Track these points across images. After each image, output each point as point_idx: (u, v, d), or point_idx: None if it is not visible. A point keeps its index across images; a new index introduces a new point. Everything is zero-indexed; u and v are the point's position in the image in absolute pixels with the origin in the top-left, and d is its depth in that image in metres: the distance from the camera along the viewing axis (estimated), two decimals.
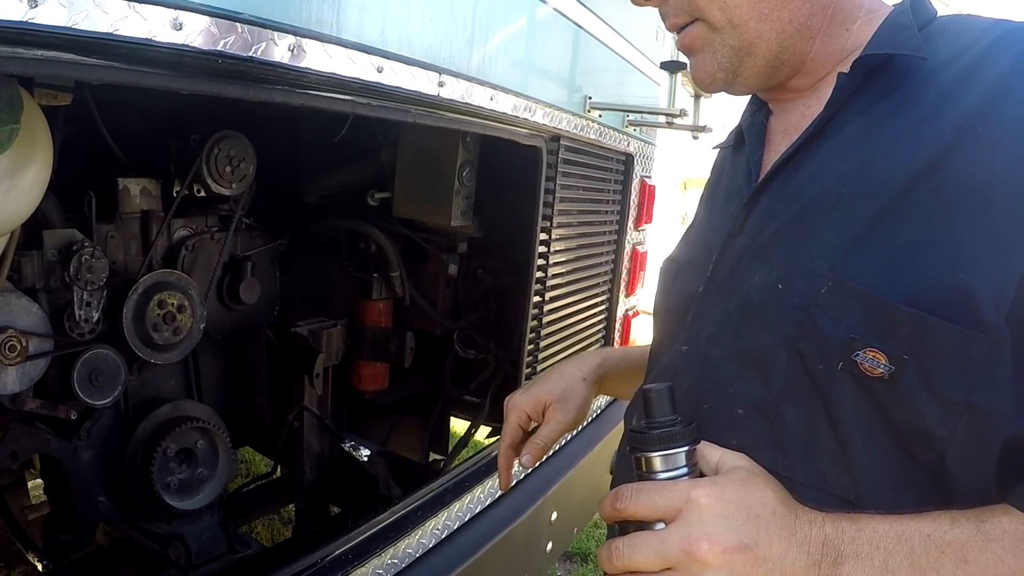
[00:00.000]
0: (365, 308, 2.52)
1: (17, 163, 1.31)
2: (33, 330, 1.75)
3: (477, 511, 2.16)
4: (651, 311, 1.27)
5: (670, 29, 1.05)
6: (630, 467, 0.87)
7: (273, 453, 2.81)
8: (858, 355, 0.83)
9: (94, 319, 1.86)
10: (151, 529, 2.09)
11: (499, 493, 2.26)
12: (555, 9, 2.10)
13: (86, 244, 1.81)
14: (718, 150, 1.27)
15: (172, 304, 1.98)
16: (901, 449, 0.84)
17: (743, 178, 1.06)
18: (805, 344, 0.88)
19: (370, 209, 2.49)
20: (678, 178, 6.26)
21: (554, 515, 2.45)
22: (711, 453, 0.86)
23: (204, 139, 1.96)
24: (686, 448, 0.83)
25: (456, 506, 2.06)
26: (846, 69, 0.94)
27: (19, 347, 1.70)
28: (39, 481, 2.53)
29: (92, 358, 1.85)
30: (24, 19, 0.89)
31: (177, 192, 2.01)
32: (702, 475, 0.85)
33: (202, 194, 2.04)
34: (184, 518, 2.11)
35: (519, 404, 1.33)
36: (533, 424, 1.34)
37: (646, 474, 0.84)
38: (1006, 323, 0.77)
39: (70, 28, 0.93)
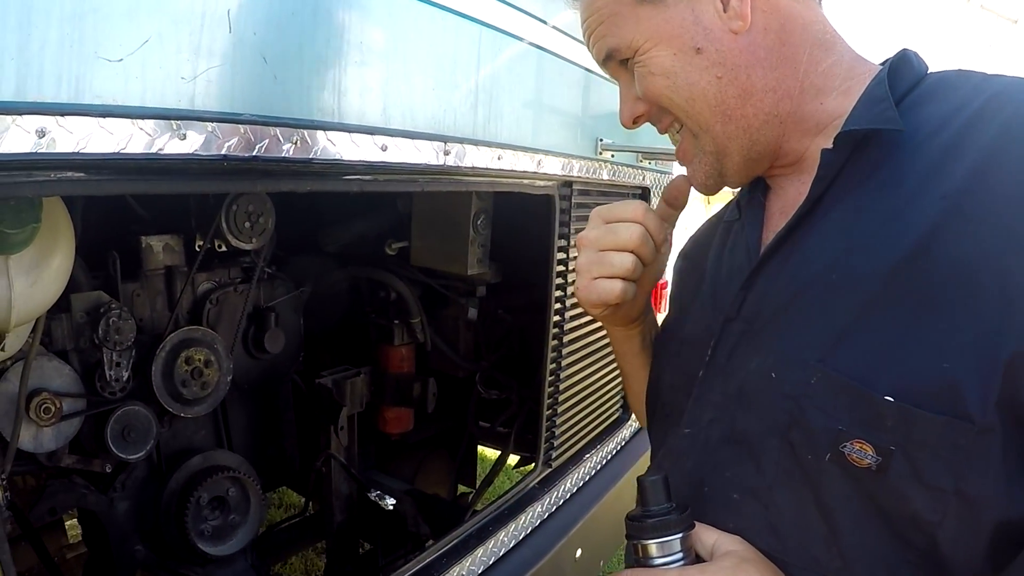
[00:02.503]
0: (388, 354, 2.55)
1: (40, 256, 1.37)
2: (66, 391, 1.81)
3: (501, 554, 2.19)
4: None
5: (661, 132, 1.10)
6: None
7: (305, 491, 2.86)
8: (845, 446, 0.83)
9: (124, 378, 1.92)
10: (187, 575, 2.15)
11: (523, 535, 2.30)
12: (560, 57, 2.13)
13: (113, 306, 1.86)
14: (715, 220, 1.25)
15: (199, 360, 2.04)
16: (892, 533, 0.84)
17: (742, 257, 1.05)
18: (795, 434, 0.88)
19: (389, 258, 2.53)
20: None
21: (578, 552, 2.47)
22: (707, 536, 0.90)
23: (222, 196, 1.99)
24: (680, 535, 0.87)
25: (480, 551, 2.09)
26: (828, 143, 0.93)
27: (53, 408, 1.76)
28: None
29: (124, 415, 1.91)
30: (33, 150, 0.95)
31: (199, 247, 2.06)
32: (698, 558, 0.89)
33: (223, 249, 2.09)
34: (218, 563, 2.17)
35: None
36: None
37: (643, 559, 0.88)
38: (995, 411, 0.76)
39: (78, 153, 0.98)
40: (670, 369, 1.17)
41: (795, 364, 0.89)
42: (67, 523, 2.68)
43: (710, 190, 1.07)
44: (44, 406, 1.75)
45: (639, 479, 0.91)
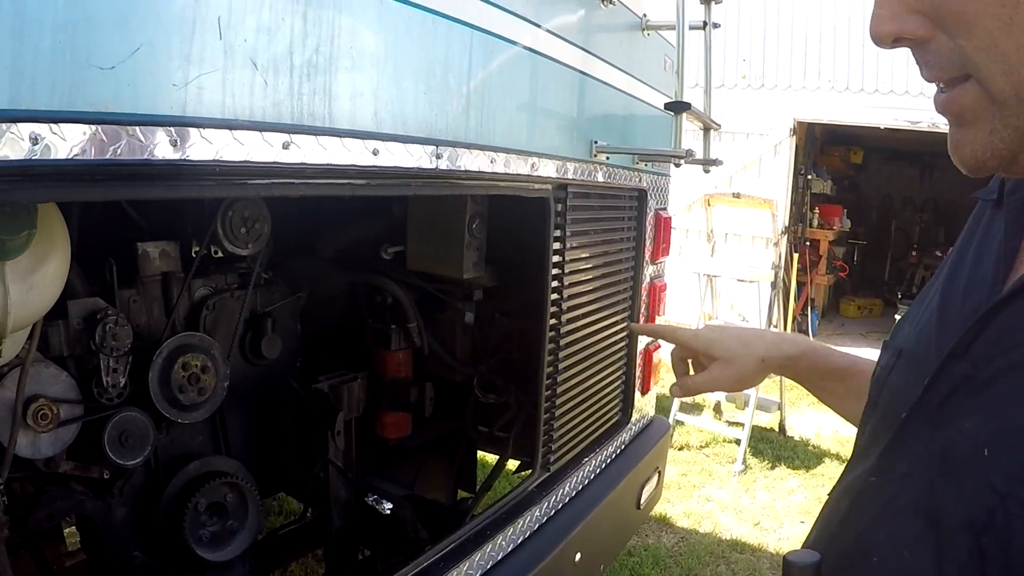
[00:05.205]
0: (384, 359, 2.56)
1: (36, 262, 1.38)
2: (63, 397, 1.81)
3: (499, 558, 2.19)
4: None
5: (929, 80, 0.73)
6: None
7: (303, 497, 2.87)
8: None
9: (121, 384, 1.91)
10: None
11: (520, 539, 2.30)
12: (554, 60, 2.13)
13: (109, 312, 1.86)
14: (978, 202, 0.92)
15: (196, 365, 2.04)
16: None
17: (988, 271, 0.79)
18: (989, 541, 0.66)
19: (385, 262, 2.54)
20: (701, 195, 6.22)
21: (578, 556, 2.47)
22: None
23: (217, 202, 1.99)
24: None
25: (477, 555, 2.09)
26: None
27: (51, 414, 1.76)
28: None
29: (121, 421, 1.90)
30: (27, 157, 0.95)
31: (195, 253, 2.06)
32: None
33: (219, 255, 2.09)
34: (217, 569, 2.17)
35: (690, 344, 1.43)
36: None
37: None
38: None
39: (71, 160, 0.99)
40: (882, 390, 0.92)
41: (1014, 448, 0.66)
42: (66, 531, 2.67)
43: (980, 171, 0.71)
44: (41, 412, 1.75)
45: (787, 558, 0.78)
